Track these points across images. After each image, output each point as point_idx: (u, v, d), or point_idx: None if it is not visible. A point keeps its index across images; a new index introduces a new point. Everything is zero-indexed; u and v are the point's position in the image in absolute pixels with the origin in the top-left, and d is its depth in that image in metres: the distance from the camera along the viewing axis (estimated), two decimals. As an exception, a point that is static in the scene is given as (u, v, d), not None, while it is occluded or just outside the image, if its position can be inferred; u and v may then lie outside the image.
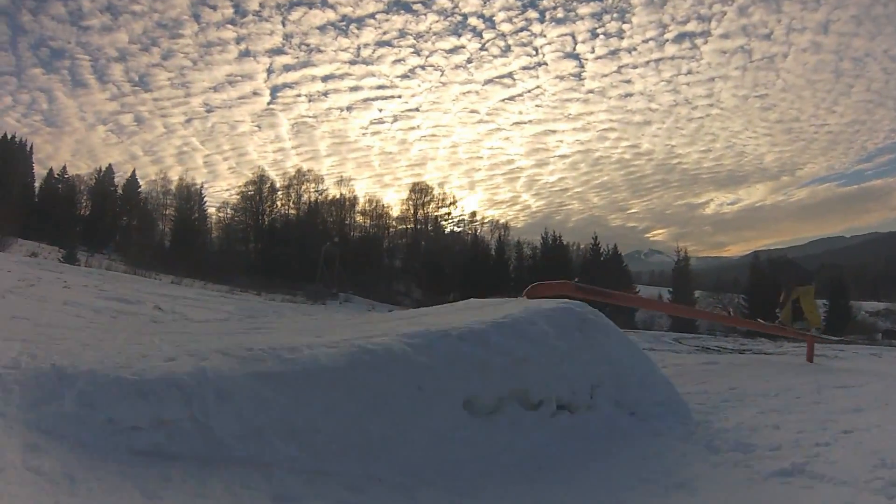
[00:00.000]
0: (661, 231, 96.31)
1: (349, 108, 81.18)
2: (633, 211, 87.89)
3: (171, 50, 68.95)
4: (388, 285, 34.59)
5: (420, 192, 40.35)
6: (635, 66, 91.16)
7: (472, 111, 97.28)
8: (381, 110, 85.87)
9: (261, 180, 39.47)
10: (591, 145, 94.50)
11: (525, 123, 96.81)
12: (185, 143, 58.44)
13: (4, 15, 57.78)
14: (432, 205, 39.87)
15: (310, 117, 73.34)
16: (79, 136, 52.30)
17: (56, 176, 37.78)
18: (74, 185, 37.66)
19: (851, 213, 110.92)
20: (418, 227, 39.26)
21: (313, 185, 39.75)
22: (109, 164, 39.84)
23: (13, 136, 36.00)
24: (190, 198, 38.65)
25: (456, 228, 40.58)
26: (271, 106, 75.45)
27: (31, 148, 37.15)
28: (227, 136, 68.46)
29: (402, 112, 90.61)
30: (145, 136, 58.45)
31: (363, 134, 75.40)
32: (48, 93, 56.37)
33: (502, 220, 40.84)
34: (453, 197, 40.89)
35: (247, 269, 31.17)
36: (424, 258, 36.28)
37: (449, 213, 40.24)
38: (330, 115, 74.73)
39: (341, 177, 49.83)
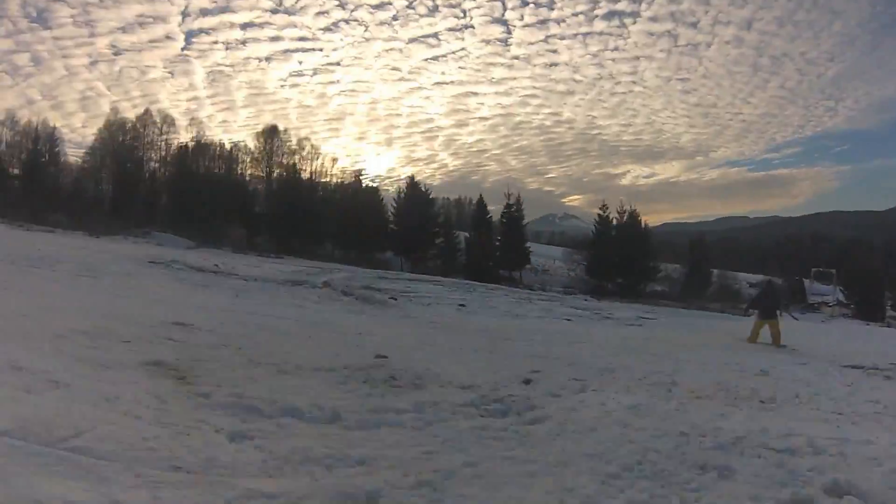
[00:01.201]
0: (577, 197, 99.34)
1: (268, 59, 75.82)
2: (550, 176, 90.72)
3: None
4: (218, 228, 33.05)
5: (271, 135, 38.56)
6: (563, 38, 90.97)
7: (394, 69, 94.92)
8: (301, 62, 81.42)
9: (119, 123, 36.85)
10: (513, 110, 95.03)
11: (447, 84, 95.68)
12: (89, 88, 51.95)
13: None
14: (288, 152, 38.44)
15: (226, 66, 67.50)
16: None
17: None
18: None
19: (757, 197, 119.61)
20: (272, 172, 37.78)
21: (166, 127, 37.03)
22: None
23: None
24: (39, 140, 35.84)
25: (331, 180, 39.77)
26: (185, 52, 68.59)
27: None
28: (136, 82, 61.57)
29: (323, 66, 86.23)
30: (44, 78, 52.40)
31: (281, 86, 71.21)
32: None
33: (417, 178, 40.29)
34: (313, 147, 39.30)
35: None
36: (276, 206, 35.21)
37: (321, 165, 38.89)
38: (248, 65, 69.87)
39: (192, 118, 44.96)
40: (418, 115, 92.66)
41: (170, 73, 66.26)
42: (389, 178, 69.57)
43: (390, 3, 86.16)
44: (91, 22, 59.34)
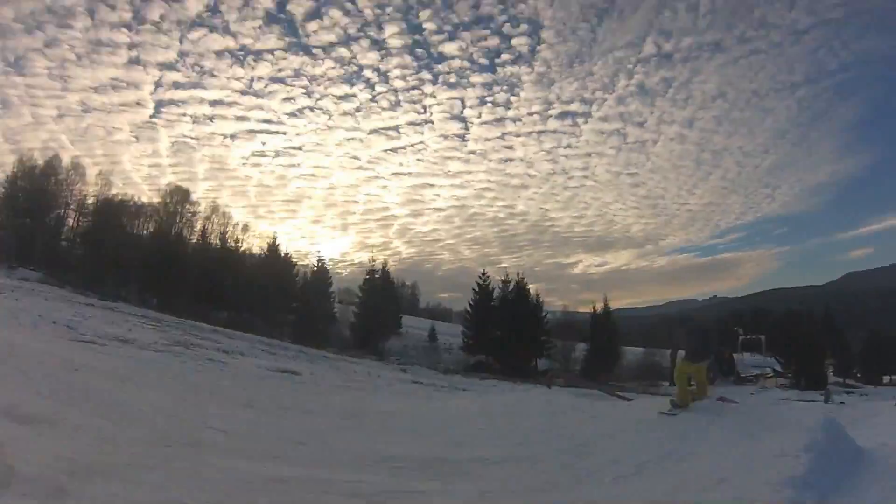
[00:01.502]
0: (530, 287, 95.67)
1: (233, 136, 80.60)
2: (502, 265, 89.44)
3: (57, 39, 64.76)
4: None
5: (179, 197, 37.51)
6: (518, 135, 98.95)
7: (354, 157, 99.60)
8: (264, 143, 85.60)
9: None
10: (468, 202, 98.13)
11: (405, 175, 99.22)
12: (52, 139, 53.11)
13: None
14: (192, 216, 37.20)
15: (192, 138, 71.86)
16: None
17: None
18: None
19: (704, 280, 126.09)
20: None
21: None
22: None
23: None
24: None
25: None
26: (154, 119, 72.06)
27: None
28: (101, 141, 63.29)
29: (285, 148, 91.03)
30: (9, 122, 54.90)
31: (244, 164, 74.57)
32: None
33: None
34: (224, 214, 38.07)
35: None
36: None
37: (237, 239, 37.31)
38: (213, 140, 73.19)
39: (100, 171, 43.14)
40: (375, 203, 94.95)
41: (135, 137, 68.49)
42: (343, 261, 68.42)
43: (354, 96, 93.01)
44: (65, 77, 61.67)
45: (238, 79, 79.46)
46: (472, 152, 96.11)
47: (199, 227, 37.57)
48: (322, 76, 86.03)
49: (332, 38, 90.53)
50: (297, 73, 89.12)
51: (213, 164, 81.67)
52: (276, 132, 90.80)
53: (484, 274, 34.63)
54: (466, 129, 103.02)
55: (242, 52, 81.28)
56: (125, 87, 72.11)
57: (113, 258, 31.94)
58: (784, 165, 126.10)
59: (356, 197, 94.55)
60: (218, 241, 37.28)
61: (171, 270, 31.77)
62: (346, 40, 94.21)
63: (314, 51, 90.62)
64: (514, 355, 30.55)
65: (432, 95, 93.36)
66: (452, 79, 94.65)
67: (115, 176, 43.91)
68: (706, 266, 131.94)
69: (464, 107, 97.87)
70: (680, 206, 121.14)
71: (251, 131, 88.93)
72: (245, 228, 39.82)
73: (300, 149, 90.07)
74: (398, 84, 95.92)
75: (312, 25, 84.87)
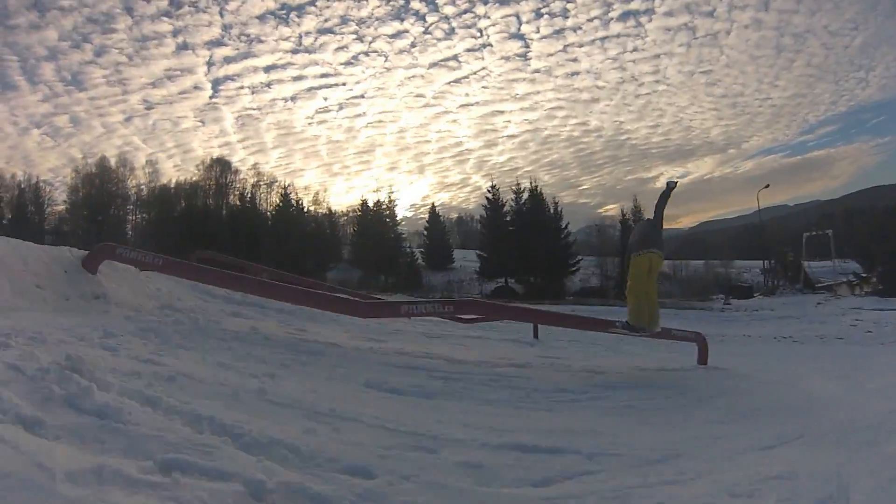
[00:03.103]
0: (612, 206, 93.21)
1: (293, 98, 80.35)
2: (584, 187, 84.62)
3: (105, 46, 68.07)
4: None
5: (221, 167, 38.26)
6: (581, 45, 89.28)
7: (418, 95, 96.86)
8: (325, 99, 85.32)
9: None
10: (540, 124, 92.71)
11: (472, 105, 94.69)
12: (125, 143, 57.63)
13: None
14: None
15: (254, 109, 73.38)
16: (11, 142, 52.97)
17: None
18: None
19: (795, 183, 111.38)
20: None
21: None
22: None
23: None
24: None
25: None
26: (214, 100, 74.18)
27: None
28: (170, 133, 68.01)
29: (348, 100, 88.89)
30: (84, 137, 56.02)
31: (309, 124, 74.82)
32: None
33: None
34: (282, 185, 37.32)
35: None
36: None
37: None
38: (274, 107, 74.20)
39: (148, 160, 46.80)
40: (447, 140, 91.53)
41: (200, 121, 71.35)
42: (424, 205, 68.79)
43: (407, 32, 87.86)
44: (123, 80, 65.78)
45: (286, 39, 78.23)
46: (537, 71, 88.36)
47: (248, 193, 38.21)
48: (370, 17, 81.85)
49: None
50: (344, 20, 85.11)
51: (280, 130, 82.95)
52: (336, 84, 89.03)
53: (493, 187, 31.08)
54: (527, 46, 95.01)
55: (284, 11, 79.14)
56: (180, 75, 74.65)
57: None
58: (878, 42, 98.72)
59: (427, 136, 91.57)
60: (280, 203, 36.73)
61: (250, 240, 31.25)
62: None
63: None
64: (535, 276, 27.67)
65: (486, 16, 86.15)
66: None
67: (189, 162, 46.26)
68: (796, 167, 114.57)
69: (520, 23, 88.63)
70: (762, 102, 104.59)
71: (310, 89, 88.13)
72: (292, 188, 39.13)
73: (363, 97, 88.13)
74: (448, 10, 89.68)
75: (347, -34, 79.19)
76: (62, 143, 56.65)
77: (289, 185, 37.26)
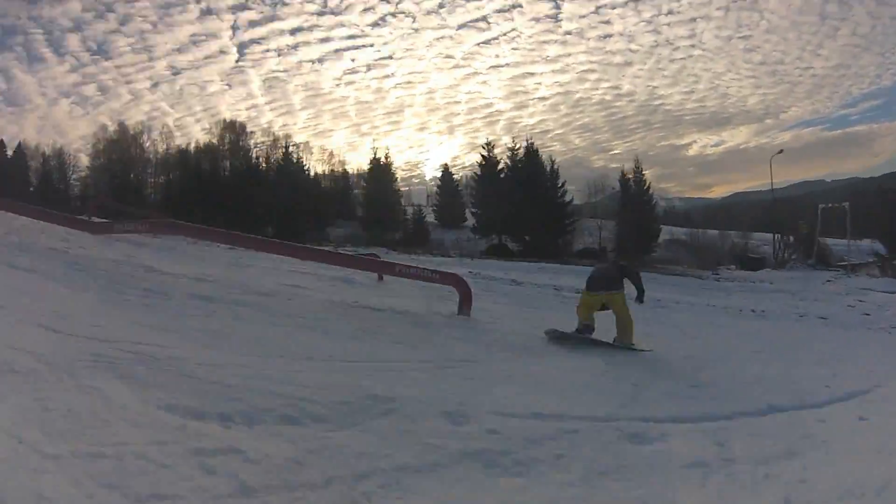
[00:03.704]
0: (644, 173, 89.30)
1: (320, 60, 79.70)
2: (615, 152, 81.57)
3: (129, 14, 68.11)
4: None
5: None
6: (614, 7, 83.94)
7: (448, 56, 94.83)
8: (353, 60, 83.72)
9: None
10: (571, 87, 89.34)
11: (502, 67, 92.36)
12: (154, 109, 58.31)
13: None
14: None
15: (281, 72, 73.12)
16: (42, 112, 53.72)
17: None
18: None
19: (834, 158, 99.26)
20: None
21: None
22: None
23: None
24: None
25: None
26: (240, 63, 74.48)
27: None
28: (197, 98, 68.60)
29: (376, 61, 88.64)
30: (112, 104, 56.86)
31: (337, 85, 74.61)
32: (5, 72, 58.43)
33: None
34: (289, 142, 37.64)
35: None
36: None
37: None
38: (301, 69, 73.44)
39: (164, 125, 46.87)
40: (477, 101, 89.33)
41: (227, 85, 71.29)
42: (455, 165, 69.06)
43: None
44: (149, 47, 66.38)
45: (311, 1, 75.69)
46: (568, 32, 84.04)
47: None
48: None
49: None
50: None
51: (308, 92, 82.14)
52: (363, 46, 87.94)
53: (488, 143, 29.86)
54: (557, 7, 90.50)
55: None
56: (205, 40, 74.23)
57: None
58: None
59: (457, 97, 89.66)
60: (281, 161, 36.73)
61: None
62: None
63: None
64: (529, 234, 26.48)
65: None
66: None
67: (217, 126, 47.08)
68: (836, 141, 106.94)
69: None
70: (803, 72, 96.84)
71: (337, 51, 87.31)
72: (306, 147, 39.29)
73: (391, 58, 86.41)
74: None
75: (373, -75, 76.09)
76: (91, 111, 56.91)
77: (290, 144, 37.31)
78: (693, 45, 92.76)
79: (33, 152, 43.36)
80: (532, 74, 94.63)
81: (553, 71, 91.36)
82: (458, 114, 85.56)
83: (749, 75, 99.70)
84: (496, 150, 30.43)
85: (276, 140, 39.15)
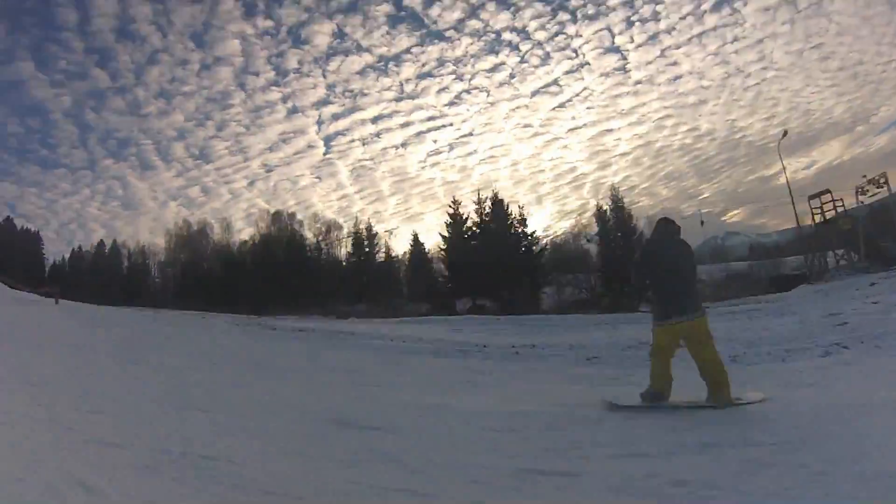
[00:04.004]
0: (736, 212, 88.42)
1: (404, 145, 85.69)
2: (704, 196, 77.59)
3: (224, 120, 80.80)
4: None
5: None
6: (678, 46, 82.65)
7: (526, 125, 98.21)
8: (435, 141, 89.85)
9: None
10: (650, 137, 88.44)
11: (580, 128, 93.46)
12: (251, 206, 66.84)
13: (71, 117, 68.48)
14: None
15: (367, 160, 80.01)
16: (154, 215, 61.89)
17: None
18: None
19: None
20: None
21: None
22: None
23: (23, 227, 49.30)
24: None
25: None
26: (327, 156, 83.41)
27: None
28: (290, 192, 77.65)
29: (457, 139, 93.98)
30: (213, 204, 64.95)
31: (422, 168, 79.21)
32: (121, 179, 71.12)
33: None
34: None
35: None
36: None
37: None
38: (386, 155, 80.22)
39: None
40: (561, 167, 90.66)
41: (317, 177, 78.74)
42: (546, 235, 71.63)
43: (503, 64, 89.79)
44: (244, 149, 77.33)
45: (388, 88, 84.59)
46: (638, 81, 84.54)
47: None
48: (465, 55, 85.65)
49: (457, 14, 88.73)
50: (441, 62, 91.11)
51: (395, 177, 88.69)
52: (443, 126, 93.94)
53: (455, 202, 28.42)
54: (624, 58, 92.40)
55: (382, 63, 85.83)
56: (293, 137, 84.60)
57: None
58: None
59: (540, 165, 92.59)
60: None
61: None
62: (473, 11, 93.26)
63: (447, 33, 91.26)
64: (505, 291, 23.85)
65: (578, 35, 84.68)
66: (590, 10, 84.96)
67: (309, 219, 53.68)
68: None
69: (613, 35, 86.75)
70: (885, 66, 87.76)
71: (419, 133, 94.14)
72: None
73: (471, 134, 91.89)
74: (540, 35, 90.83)
75: (434, 10, 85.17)
76: (196, 211, 66.92)
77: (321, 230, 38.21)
78: (765, 68, 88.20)
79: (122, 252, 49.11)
80: (610, 131, 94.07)
81: (630, 124, 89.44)
82: (545, 182, 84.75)
83: (829, 84, 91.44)
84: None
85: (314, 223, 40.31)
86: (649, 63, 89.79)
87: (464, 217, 27.89)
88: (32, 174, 63.60)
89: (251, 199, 65.11)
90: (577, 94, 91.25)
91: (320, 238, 40.13)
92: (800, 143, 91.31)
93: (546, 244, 27.27)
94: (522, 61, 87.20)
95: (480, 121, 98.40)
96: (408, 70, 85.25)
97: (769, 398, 4.12)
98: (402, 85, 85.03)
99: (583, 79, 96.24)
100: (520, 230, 25.80)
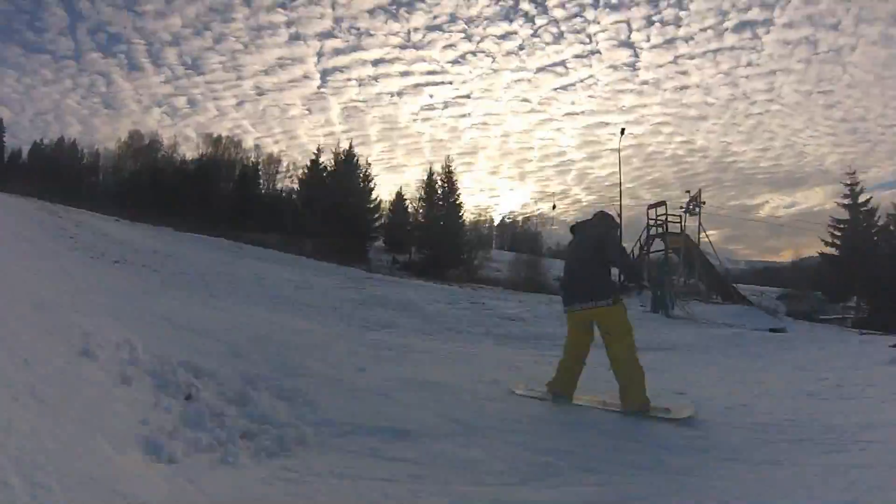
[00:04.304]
0: (711, 232, 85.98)
1: (399, 94, 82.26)
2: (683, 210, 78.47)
3: (223, 34, 75.87)
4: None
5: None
6: (692, 57, 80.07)
7: (524, 100, 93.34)
8: (431, 96, 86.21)
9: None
10: (644, 139, 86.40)
11: (577, 114, 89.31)
12: (236, 126, 63.80)
13: (63, 2, 66.41)
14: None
15: (360, 101, 75.78)
16: (135, 118, 60.97)
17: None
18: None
19: None
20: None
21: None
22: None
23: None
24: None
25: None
26: (322, 90, 78.11)
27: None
28: (277, 120, 71.20)
29: (454, 98, 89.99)
30: (198, 118, 61.77)
31: (414, 119, 76.42)
32: (106, 76, 65.68)
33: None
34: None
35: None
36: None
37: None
38: (381, 100, 75.78)
39: None
40: (550, 148, 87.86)
41: (308, 110, 74.15)
42: (523, 214, 66.87)
43: (515, 33, 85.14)
44: (237, 66, 72.44)
45: (395, 34, 79.66)
46: (645, 82, 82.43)
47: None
48: (479, 16, 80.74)
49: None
50: (453, 18, 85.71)
51: (385, 124, 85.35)
52: (442, 83, 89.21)
53: (318, 149, 32.52)
54: (636, 56, 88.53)
55: (394, 6, 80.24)
56: (291, 64, 79.72)
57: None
58: None
59: (531, 143, 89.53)
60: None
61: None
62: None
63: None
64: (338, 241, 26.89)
65: (595, 21, 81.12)
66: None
67: (293, 149, 53.75)
68: None
69: (630, 30, 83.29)
70: (885, 130, 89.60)
71: (416, 85, 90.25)
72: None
73: (468, 97, 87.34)
74: (558, 13, 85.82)
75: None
76: (179, 122, 63.16)
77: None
78: (771, 100, 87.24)
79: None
80: (606, 124, 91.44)
81: (627, 122, 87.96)
82: (531, 160, 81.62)
83: (828, 132, 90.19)
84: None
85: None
86: (660, 66, 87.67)
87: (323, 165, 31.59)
88: (13, 55, 60.25)
89: (237, 120, 63.41)
90: (582, 80, 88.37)
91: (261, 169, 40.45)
92: (787, 182, 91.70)
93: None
94: (535, 35, 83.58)
95: (480, 85, 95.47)
96: (418, 19, 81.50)
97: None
98: (409, 33, 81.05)
99: (591, 66, 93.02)
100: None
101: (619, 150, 24.51)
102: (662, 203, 20.79)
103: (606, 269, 3.88)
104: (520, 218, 47.64)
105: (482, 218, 43.74)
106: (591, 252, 3.86)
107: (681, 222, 19.46)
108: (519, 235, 49.44)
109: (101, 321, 3.94)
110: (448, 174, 32.35)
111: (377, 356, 5.15)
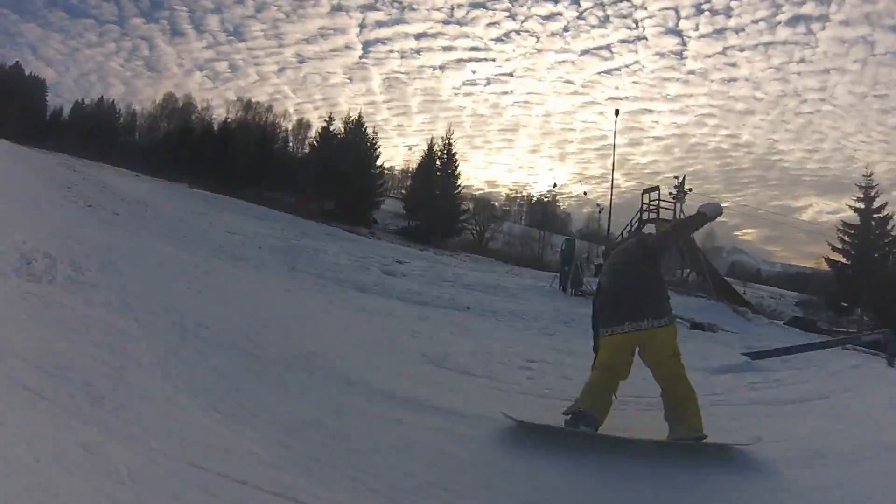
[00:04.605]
0: (750, 231, 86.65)
1: (442, 68, 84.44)
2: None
3: (265, 3, 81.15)
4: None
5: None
6: (742, 49, 74.87)
7: (567, 81, 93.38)
8: (474, 72, 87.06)
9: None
10: (688, 130, 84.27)
11: (621, 100, 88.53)
12: (277, 91, 67.90)
13: None
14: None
15: (402, 73, 78.84)
16: (177, 81, 63.20)
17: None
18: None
19: None
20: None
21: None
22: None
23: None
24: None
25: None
26: (363, 60, 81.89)
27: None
28: (318, 87, 76.23)
29: (496, 76, 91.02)
30: (239, 82, 65.66)
31: (455, 94, 79.05)
32: (149, 40, 71.78)
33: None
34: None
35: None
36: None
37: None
38: (423, 73, 79.21)
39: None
40: (591, 131, 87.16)
41: (349, 79, 78.21)
42: (560, 193, 72.96)
43: (560, 14, 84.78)
44: (280, 35, 76.98)
45: (438, 8, 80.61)
46: (692, 72, 79.49)
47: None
48: None
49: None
50: None
51: (426, 97, 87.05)
52: (485, 59, 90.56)
53: (331, 117, 34.16)
54: (683, 44, 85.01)
55: None
56: (333, 34, 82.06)
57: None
58: None
59: (573, 124, 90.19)
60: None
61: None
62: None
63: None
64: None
65: (643, 7, 78.73)
66: (663, -15, 79.03)
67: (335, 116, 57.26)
68: None
69: (679, 18, 78.61)
70: None
71: (459, 60, 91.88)
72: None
73: (511, 75, 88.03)
74: None
75: (505, -60, 79.87)
76: (220, 86, 68.58)
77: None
78: (823, 100, 79.75)
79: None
80: (650, 111, 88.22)
81: (671, 111, 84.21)
82: (572, 142, 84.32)
83: (881, 139, 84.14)
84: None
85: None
86: (708, 56, 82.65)
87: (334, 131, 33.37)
88: (58, 19, 65.69)
89: (278, 86, 66.83)
90: (627, 66, 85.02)
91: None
92: (833, 187, 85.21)
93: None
94: (580, 17, 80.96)
95: (524, 64, 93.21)
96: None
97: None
98: (452, 9, 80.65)
99: (636, 52, 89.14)
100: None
101: (614, 132, 25.18)
102: (656, 188, 20.46)
103: (660, 282, 3.36)
104: (548, 197, 48.84)
105: (514, 193, 45.40)
106: (637, 255, 3.34)
107: (674, 210, 19.04)
108: (549, 215, 50.39)
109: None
110: (448, 146, 33.69)
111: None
